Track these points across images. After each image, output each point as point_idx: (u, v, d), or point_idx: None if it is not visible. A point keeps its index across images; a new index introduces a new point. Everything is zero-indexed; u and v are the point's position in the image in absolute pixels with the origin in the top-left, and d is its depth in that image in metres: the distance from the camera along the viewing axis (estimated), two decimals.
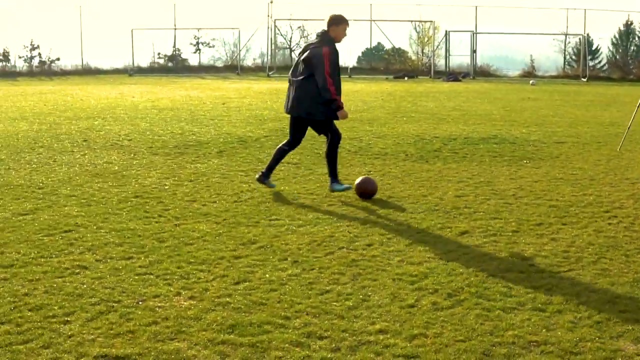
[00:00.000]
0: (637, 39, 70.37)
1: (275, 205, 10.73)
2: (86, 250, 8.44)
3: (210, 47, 59.80)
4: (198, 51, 57.95)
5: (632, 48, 68.60)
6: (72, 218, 9.89)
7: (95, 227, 9.44)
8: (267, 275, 7.66)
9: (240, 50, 56.16)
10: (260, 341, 6.01)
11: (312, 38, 12.06)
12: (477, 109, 25.87)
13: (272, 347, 5.91)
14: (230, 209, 10.47)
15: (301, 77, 11.29)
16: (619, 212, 10.67)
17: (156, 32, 56.93)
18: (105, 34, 71.11)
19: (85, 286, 7.26)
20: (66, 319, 6.45)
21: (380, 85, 39.05)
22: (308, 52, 11.27)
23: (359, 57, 63.85)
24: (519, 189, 12.14)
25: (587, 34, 60.17)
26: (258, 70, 53.83)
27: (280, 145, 11.96)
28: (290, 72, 11.66)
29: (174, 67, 54.78)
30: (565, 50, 61.29)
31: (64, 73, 48.75)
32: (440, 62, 57.23)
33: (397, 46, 61.29)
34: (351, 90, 33.31)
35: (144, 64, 54.84)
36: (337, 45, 11.48)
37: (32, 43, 50.55)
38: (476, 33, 54.07)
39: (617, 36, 67.45)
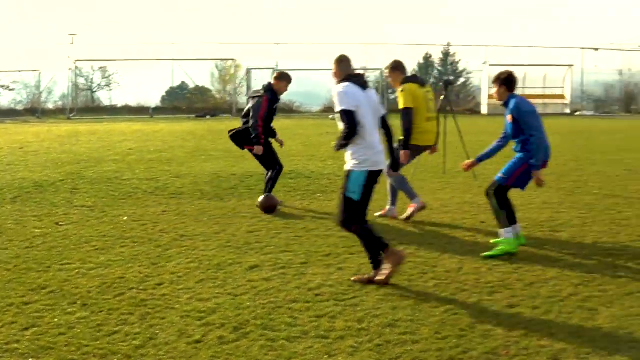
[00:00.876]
0: (435, 71, 72.70)
1: (67, 250, 10.69)
2: None
3: (10, 90, 58.70)
4: None
5: (431, 80, 70.76)
6: None
7: None
8: (56, 320, 7.65)
9: (41, 93, 55.27)
10: None
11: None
12: (275, 145, 26.21)
13: None
14: (21, 255, 10.37)
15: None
16: (404, 240, 11.12)
17: None
18: None
19: None
20: None
21: (182, 125, 39.14)
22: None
23: (162, 96, 63.75)
24: (310, 221, 12.46)
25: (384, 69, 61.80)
26: (59, 113, 53.06)
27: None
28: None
29: None
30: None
31: None
32: (243, 100, 57.74)
33: (200, 85, 61.54)
34: (152, 131, 33.33)
35: None
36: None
37: None
38: (277, 70, 54.70)
39: (416, 69, 69.48)
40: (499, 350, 6.75)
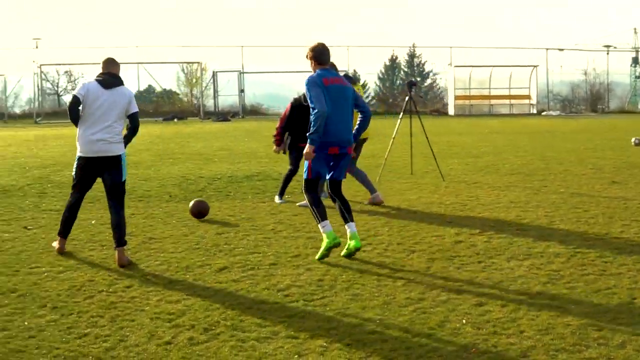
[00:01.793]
0: (402, 72, 72.97)
1: (36, 253, 10.68)
2: None
3: None
4: None
5: (397, 82, 71.09)
6: None
7: None
8: (26, 323, 7.65)
9: (7, 98, 55.00)
10: None
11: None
12: (243, 147, 26.33)
13: None
14: None
15: None
16: (373, 240, 11.18)
17: None
18: None
19: None
20: None
21: (149, 128, 39.06)
22: None
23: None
24: (278, 223, 12.51)
25: (354, 70, 61.96)
26: (26, 117, 52.82)
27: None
28: None
29: None
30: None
31: None
32: (210, 103, 57.77)
33: (166, 88, 61.44)
34: None
35: None
36: None
37: None
38: (243, 72, 54.76)
39: (383, 71, 69.78)
40: (468, 348, 6.81)
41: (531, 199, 14.67)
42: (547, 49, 65.44)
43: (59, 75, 61.75)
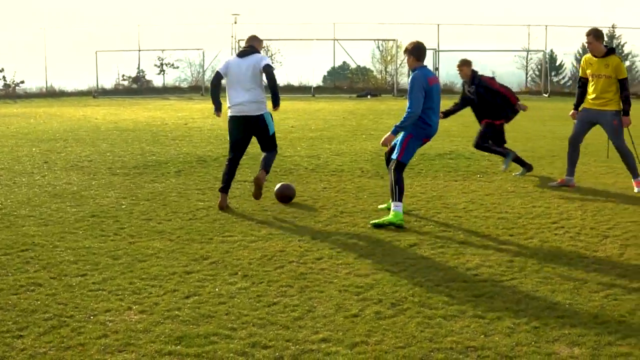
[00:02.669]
0: None
1: (229, 222, 10.92)
2: (41, 269, 8.58)
3: (174, 68, 60.04)
4: (162, 72, 58.18)
5: None
6: (29, 237, 10.03)
7: (51, 246, 9.58)
8: (217, 289, 7.84)
9: (204, 71, 56.34)
10: (205, 352, 6.18)
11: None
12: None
13: (217, 357, 6.09)
14: (184, 227, 10.65)
15: None
16: (566, 223, 10.95)
17: (120, 54, 56.83)
18: (69, 56, 71.00)
19: (39, 302, 7.41)
20: (19, 333, 6.59)
21: (343, 104, 39.36)
22: None
23: (324, 76, 64.15)
24: (469, 202, 12.41)
25: (551, 50, 60.88)
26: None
27: None
28: None
29: (138, 88, 54.90)
30: (527, 66, 62.00)
31: (28, 96, 48.78)
32: (404, 80, 57.62)
33: (361, 65, 61.68)
34: (313, 109, 33.67)
35: (108, 85, 54.96)
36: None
37: None
38: (438, 51, 54.45)
39: (580, 51, 68.13)
40: None
41: None
42: None
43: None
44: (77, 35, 71.32)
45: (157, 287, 7.92)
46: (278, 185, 12.73)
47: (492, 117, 15.03)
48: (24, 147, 19.92)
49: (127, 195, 12.91)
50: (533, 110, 33.52)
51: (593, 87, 13.28)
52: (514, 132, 23.46)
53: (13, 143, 20.82)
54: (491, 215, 11.43)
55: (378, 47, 61.63)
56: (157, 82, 57.98)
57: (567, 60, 69.83)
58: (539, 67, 60.83)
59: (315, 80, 56.99)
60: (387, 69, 60.61)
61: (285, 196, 12.49)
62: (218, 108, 12.49)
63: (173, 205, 12.15)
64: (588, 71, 13.36)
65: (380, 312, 7.18)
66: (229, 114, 12.26)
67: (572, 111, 13.96)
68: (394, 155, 11.34)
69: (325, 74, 64.96)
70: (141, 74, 56.56)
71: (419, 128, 11.12)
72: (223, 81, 12.43)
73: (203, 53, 55.39)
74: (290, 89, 52.74)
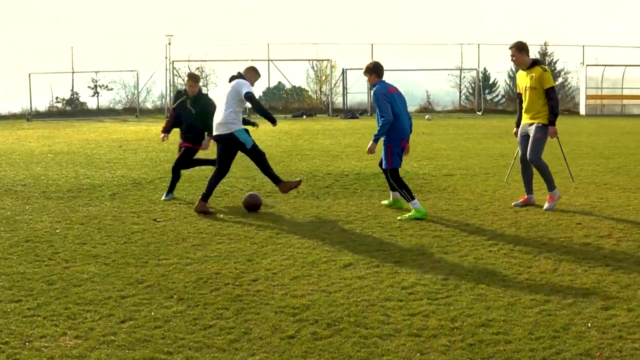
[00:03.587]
0: None
1: (164, 246, 10.88)
2: None
3: (108, 89, 59.72)
4: (96, 94, 57.84)
5: None
6: None
7: None
8: (153, 313, 7.80)
9: (139, 93, 56.10)
10: None
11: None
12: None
13: None
14: (119, 250, 10.59)
15: None
16: (499, 240, 11.07)
17: (54, 76, 56.44)
18: (1, 79, 70.22)
19: None
20: None
21: (279, 125, 39.37)
22: None
23: (259, 97, 64.09)
24: (404, 221, 12.47)
25: (484, 68, 61.40)
26: (157, 112, 53.78)
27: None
28: None
29: (73, 110, 54.50)
30: (460, 84, 62.51)
31: None
32: (338, 100, 57.92)
33: (296, 85, 61.81)
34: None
35: (42, 108, 54.50)
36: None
37: None
38: None
39: (513, 69, 68.74)
40: (592, 352, 6.69)
41: None
42: None
43: (190, 71, 62.70)
44: (10, 57, 70.47)
45: (92, 312, 7.86)
46: (246, 196, 13.78)
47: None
48: None
49: (61, 219, 12.79)
50: (467, 128, 33.95)
51: (525, 101, 13.42)
52: (449, 150, 23.70)
53: None
54: (426, 233, 11.50)
55: (312, 67, 61.82)
56: (92, 104, 57.74)
57: (500, 78, 70.40)
58: (473, 85, 61.32)
59: None
60: (322, 89, 60.81)
61: (253, 205, 13.37)
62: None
63: (108, 228, 12.07)
64: (520, 85, 13.55)
65: (316, 332, 7.20)
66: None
67: (515, 129, 14.03)
68: (384, 165, 12.95)
69: (261, 94, 64.93)
70: (75, 96, 56.19)
71: (393, 134, 12.71)
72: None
73: (137, 74, 55.21)
74: None
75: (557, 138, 13.49)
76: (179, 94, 16.00)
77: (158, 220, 12.73)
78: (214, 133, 13.61)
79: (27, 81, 51.92)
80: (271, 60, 56.76)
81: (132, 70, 56.38)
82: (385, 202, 14.08)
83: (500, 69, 67.55)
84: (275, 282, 8.98)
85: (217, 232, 11.75)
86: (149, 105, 59.32)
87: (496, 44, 67.66)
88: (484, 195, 15.08)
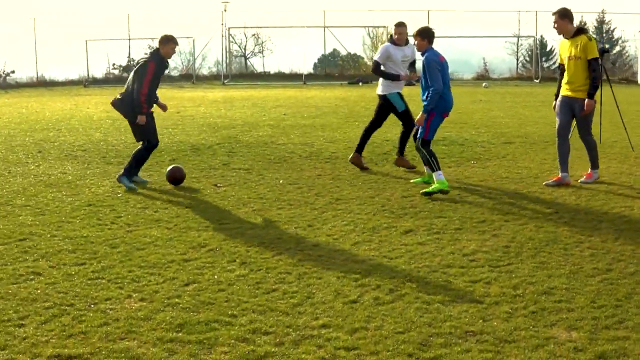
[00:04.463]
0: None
1: (225, 210, 10.97)
2: (40, 258, 8.63)
3: None
4: None
5: None
6: (26, 227, 10.06)
7: (49, 235, 9.63)
8: (216, 277, 7.89)
9: (195, 59, 56.27)
10: (207, 338, 6.24)
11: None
12: None
13: (218, 343, 6.15)
14: (181, 215, 10.69)
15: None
16: (560, 208, 11.01)
17: (110, 43, 56.66)
18: (59, 46, 70.62)
19: (39, 291, 7.46)
20: (21, 322, 6.65)
21: (335, 92, 39.32)
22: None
23: (314, 64, 64.06)
24: (464, 189, 12.46)
25: (541, 36, 60.80)
26: (213, 79, 53.84)
27: None
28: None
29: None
30: (518, 52, 61.94)
31: (19, 86, 48.52)
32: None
33: (351, 52, 61.66)
34: (305, 97, 33.63)
35: (99, 74, 54.76)
36: None
37: None
38: None
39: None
40: None
41: None
42: None
43: (246, 38, 62.82)
44: (67, 24, 70.88)
45: (156, 275, 7.97)
46: (169, 168, 13.29)
47: None
48: (17, 136, 19.88)
49: (122, 184, 12.90)
50: (524, 95, 33.65)
51: (567, 71, 12.82)
52: (507, 117, 23.55)
53: (6, 133, 20.78)
54: (486, 201, 11.48)
55: (368, 34, 61.59)
56: None
57: (557, 45, 69.83)
58: (530, 53, 60.75)
59: (306, 68, 56.93)
60: None
61: (177, 179, 12.97)
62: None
63: (169, 193, 12.18)
64: (563, 55, 12.98)
65: (378, 297, 7.24)
66: None
67: (554, 102, 13.36)
68: (420, 135, 12.42)
69: (316, 61, 64.85)
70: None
71: (439, 105, 12.31)
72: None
73: (193, 41, 55.25)
74: (282, 77, 52.80)
75: (617, 107, 13.27)
76: None
77: (218, 185, 12.81)
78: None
79: (84, 48, 52.20)
80: (327, 27, 56.60)
81: (188, 37, 56.50)
82: (417, 179, 13.27)
83: (557, 36, 67.02)
84: (337, 247, 9.03)
85: (277, 197, 11.81)
86: (205, 72, 59.43)
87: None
88: (544, 163, 14.99)
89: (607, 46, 53.20)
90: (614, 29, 72.04)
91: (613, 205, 11.22)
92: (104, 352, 5.97)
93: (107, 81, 51.93)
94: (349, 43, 60.66)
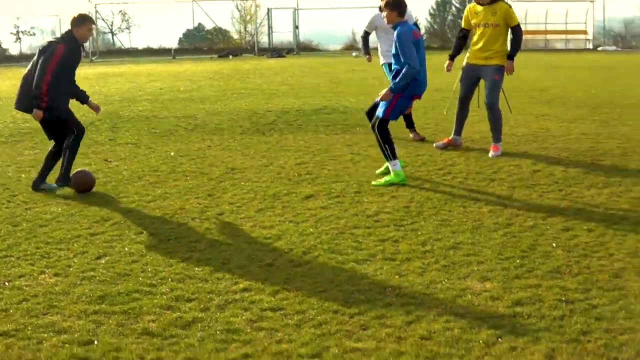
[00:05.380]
0: (453, 8, 72.41)
1: (122, 184, 10.90)
2: None
3: (30, 35, 58.79)
4: (18, 40, 56.90)
5: (449, 17, 70.60)
6: None
7: None
8: (126, 249, 7.88)
9: None
10: (131, 308, 6.25)
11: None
12: (304, 82, 26.43)
13: (143, 312, 6.17)
14: None
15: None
16: (452, 169, 11.31)
17: None
18: None
19: None
20: None
21: (206, 65, 39.23)
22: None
23: (179, 38, 63.69)
24: (355, 154, 12.65)
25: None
26: None
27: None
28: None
29: None
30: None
31: None
32: (264, 40, 57.76)
33: (219, 26, 61.46)
34: (177, 71, 33.49)
35: None
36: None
37: None
38: (298, 9, 54.67)
39: (434, 7, 69.18)
40: (562, 269, 6.96)
41: (602, 131, 14.61)
42: None
43: (113, 15, 62.03)
44: None
45: (65, 250, 7.91)
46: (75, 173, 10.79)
47: None
48: None
49: (11, 163, 12.72)
50: None
51: (478, 38, 12.61)
52: (384, 85, 23.81)
53: None
54: (378, 165, 11.64)
55: (237, 7, 61.46)
56: (13, 50, 56.80)
57: (420, 16, 71.00)
58: None
59: (174, 43, 56.60)
60: (247, 29, 60.53)
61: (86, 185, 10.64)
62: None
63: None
64: (473, 21, 12.65)
65: (293, 260, 7.36)
66: None
67: (448, 62, 13.28)
68: (380, 113, 10.82)
69: (181, 36, 64.48)
70: None
71: (408, 86, 10.72)
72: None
73: (59, 19, 54.33)
74: (151, 52, 52.44)
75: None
76: None
77: (109, 160, 12.72)
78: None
79: None
80: (195, 1, 56.31)
81: (54, 15, 55.57)
82: (379, 170, 11.39)
83: (419, 6, 67.93)
84: (241, 215, 9.10)
85: (171, 170, 11.79)
86: None
87: None
88: (426, 128, 15.31)
89: None
90: None
91: (502, 165, 11.56)
92: (29, 328, 5.91)
93: None
94: (217, 17, 60.43)
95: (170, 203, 9.75)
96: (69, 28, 10.73)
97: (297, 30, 56.06)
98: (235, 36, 61.37)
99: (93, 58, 49.40)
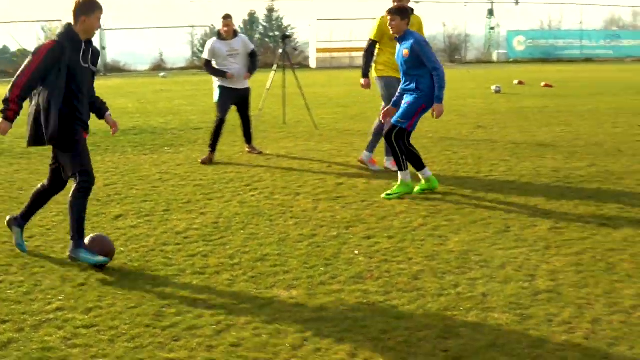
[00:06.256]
0: (260, 27, 73.20)
1: None
2: None
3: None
4: None
5: (256, 36, 71.34)
6: None
7: None
8: None
9: None
10: None
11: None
12: (112, 103, 26.10)
13: None
14: None
15: None
16: (258, 185, 11.65)
17: None
18: None
19: None
20: None
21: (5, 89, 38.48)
22: None
23: None
24: (164, 173, 12.84)
25: (213, 25, 61.73)
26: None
27: None
28: None
29: None
30: (192, 42, 62.83)
31: None
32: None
33: (25, 48, 60.33)
34: None
35: None
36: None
37: None
38: (102, 29, 54.22)
39: (241, 26, 69.78)
40: (364, 274, 7.39)
41: None
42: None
43: None
44: None
45: None
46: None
47: None
48: None
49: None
50: (203, 84, 34.28)
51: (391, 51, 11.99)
52: (191, 106, 24.00)
53: None
54: (187, 183, 11.91)
55: (42, 29, 60.44)
56: None
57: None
58: (204, 42, 61.69)
59: None
60: None
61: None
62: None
63: None
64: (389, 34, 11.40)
65: (105, 279, 7.51)
66: None
67: (362, 80, 12.83)
68: (402, 124, 10.65)
69: None
70: None
71: (430, 96, 10.56)
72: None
73: None
74: None
75: (301, 89, 13.73)
76: None
77: None
78: None
79: None
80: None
81: None
82: (416, 189, 11.05)
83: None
84: (52, 237, 9.17)
85: None
86: None
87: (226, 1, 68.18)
88: (235, 146, 15.60)
89: (287, 32, 54.53)
90: (283, 17, 74.43)
91: (307, 178, 11.99)
92: None
93: None
94: (23, 39, 59.25)
95: None
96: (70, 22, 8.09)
97: (104, 51, 55.61)
98: None
99: None
